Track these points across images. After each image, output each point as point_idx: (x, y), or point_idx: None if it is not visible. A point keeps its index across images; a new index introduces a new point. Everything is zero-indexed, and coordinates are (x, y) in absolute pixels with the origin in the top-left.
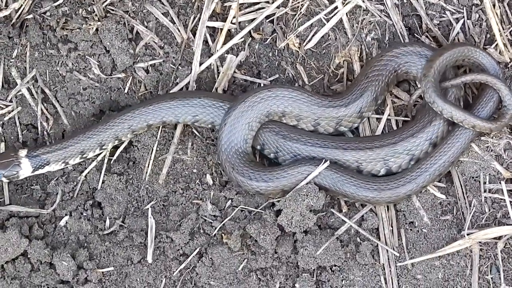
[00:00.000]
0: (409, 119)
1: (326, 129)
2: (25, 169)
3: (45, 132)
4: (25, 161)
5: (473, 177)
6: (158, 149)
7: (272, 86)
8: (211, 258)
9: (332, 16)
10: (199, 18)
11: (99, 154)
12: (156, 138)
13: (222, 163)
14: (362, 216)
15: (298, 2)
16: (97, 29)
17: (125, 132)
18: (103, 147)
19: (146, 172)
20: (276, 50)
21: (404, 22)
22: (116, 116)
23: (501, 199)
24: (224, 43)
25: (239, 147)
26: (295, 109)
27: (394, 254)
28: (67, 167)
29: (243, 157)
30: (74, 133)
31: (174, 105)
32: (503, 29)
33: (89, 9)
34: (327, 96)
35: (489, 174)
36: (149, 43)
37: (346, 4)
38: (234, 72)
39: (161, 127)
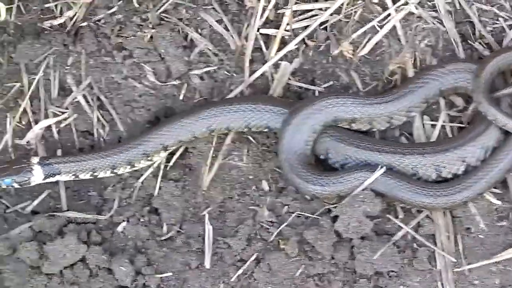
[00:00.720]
0: (464, 125)
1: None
2: (37, 175)
3: (101, 139)
4: (37, 168)
5: None
6: (214, 155)
7: (340, 93)
8: (268, 263)
9: (386, 23)
10: (253, 26)
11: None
12: (212, 144)
13: (281, 162)
14: (419, 222)
15: (352, 9)
16: (151, 37)
17: (139, 158)
18: (114, 170)
19: (203, 179)
20: (330, 57)
21: (457, 29)
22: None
23: None
24: (278, 50)
25: (299, 148)
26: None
27: (451, 260)
28: (78, 179)
29: (302, 159)
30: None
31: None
32: None
33: (143, 17)
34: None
35: None
36: (204, 50)
37: (400, 11)
38: (288, 79)
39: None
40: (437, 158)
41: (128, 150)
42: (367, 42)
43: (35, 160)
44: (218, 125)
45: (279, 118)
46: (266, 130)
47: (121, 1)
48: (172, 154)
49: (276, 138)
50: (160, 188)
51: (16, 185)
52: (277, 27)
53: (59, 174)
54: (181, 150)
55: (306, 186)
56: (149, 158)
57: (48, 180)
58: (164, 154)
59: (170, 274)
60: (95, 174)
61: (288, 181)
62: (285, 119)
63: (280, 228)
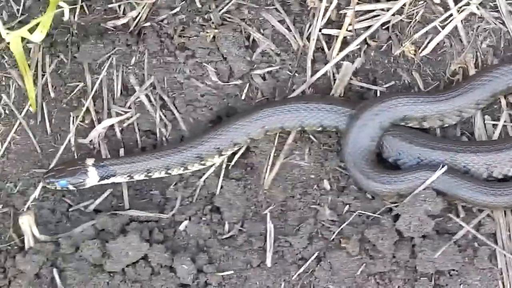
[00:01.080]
0: None
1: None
2: (92, 177)
3: (163, 138)
4: (92, 169)
5: None
6: (275, 154)
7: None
8: (329, 262)
9: (447, 24)
10: (315, 26)
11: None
12: (274, 144)
13: (345, 157)
14: (480, 221)
15: (413, 10)
16: (214, 37)
17: (193, 160)
18: (169, 171)
19: (264, 178)
20: (392, 57)
21: None
22: (185, 143)
23: None
24: (340, 50)
25: (364, 145)
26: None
27: (511, 259)
28: (133, 180)
29: (366, 155)
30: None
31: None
32: None
33: (206, 17)
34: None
35: None
36: (266, 50)
37: (461, 11)
38: (350, 79)
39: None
40: (489, 157)
41: (182, 152)
42: (428, 42)
43: (90, 162)
44: (272, 125)
45: (332, 116)
46: (319, 128)
47: (184, 2)
48: (233, 153)
49: (338, 137)
50: (222, 187)
51: (71, 187)
52: (339, 27)
53: (114, 176)
54: (242, 149)
55: (367, 182)
56: (202, 162)
57: (103, 182)
58: (218, 159)
59: (232, 272)
60: (150, 174)
61: (351, 177)
62: (353, 115)
63: (341, 227)
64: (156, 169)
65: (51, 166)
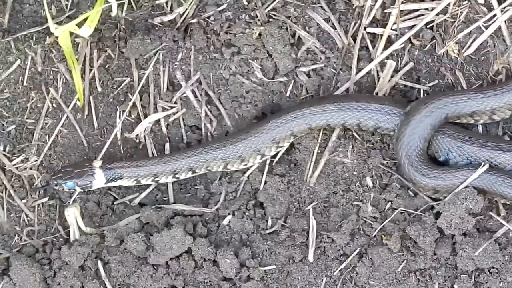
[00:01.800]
0: None
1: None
2: (99, 180)
3: (209, 134)
4: (99, 172)
5: None
6: (319, 151)
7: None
8: (371, 258)
9: (491, 24)
10: (360, 24)
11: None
12: (317, 140)
13: (400, 158)
14: None
15: (457, 10)
16: (260, 34)
17: (200, 165)
18: (176, 175)
19: (308, 174)
20: (435, 56)
21: None
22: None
23: None
24: (384, 49)
25: (418, 142)
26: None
27: None
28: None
29: (419, 152)
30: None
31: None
32: None
33: (252, 14)
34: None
35: None
36: (311, 48)
37: (505, 11)
38: (391, 76)
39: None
40: None
41: (190, 157)
42: (472, 42)
43: (97, 164)
44: (298, 128)
45: (373, 115)
46: (355, 127)
47: None
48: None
49: (381, 135)
50: (265, 182)
51: (78, 189)
52: (384, 26)
53: (121, 178)
54: (287, 145)
55: (422, 179)
56: (209, 168)
57: (109, 184)
58: (221, 167)
59: (274, 267)
60: (157, 179)
61: (405, 176)
62: (407, 112)
63: (383, 224)
64: (163, 173)
65: (60, 167)
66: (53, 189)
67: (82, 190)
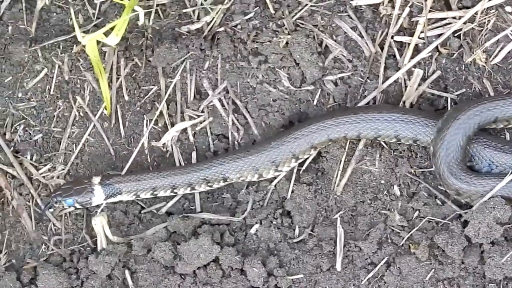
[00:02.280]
0: None
1: None
2: (98, 196)
3: (236, 142)
4: (98, 188)
5: None
6: (346, 160)
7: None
8: (398, 267)
9: None
10: (387, 33)
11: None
12: (345, 149)
13: (439, 166)
14: None
15: (485, 18)
16: (287, 42)
17: (200, 182)
18: (175, 190)
19: (335, 183)
20: (463, 65)
21: None
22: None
23: None
24: (412, 57)
25: (457, 148)
26: None
27: None
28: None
29: (458, 159)
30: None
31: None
32: None
33: (279, 23)
34: None
35: None
36: (338, 56)
37: None
38: (419, 85)
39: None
40: None
41: (189, 173)
42: (500, 50)
43: (96, 180)
44: (320, 139)
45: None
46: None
47: (257, 7)
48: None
49: (409, 144)
50: (292, 191)
51: (78, 206)
52: (411, 35)
53: (120, 194)
54: (314, 154)
55: (467, 188)
56: (209, 184)
57: (109, 200)
58: (223, 183)
59: (302, 276)
60: (156, 193)
61: (446, 184)
62: (445, 119)
63: (411, 233)
64: (162, 187)
65: (59, 185)
66: (53, 207)
67: (81, 207)
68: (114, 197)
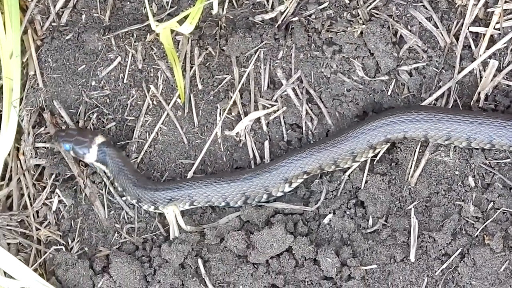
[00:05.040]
0: None
1: None
2: (91, 155)
3: (309, 132)
4: (95, 149)
5: None
6: (420, 150)
7: None
8: (473, 258)
9: None
10: (462, 23)
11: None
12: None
13: None
14: None
15: None
16: (361, 32)
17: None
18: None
19: (409, 173)
20: None
21: None
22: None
23: None
24: (487, 48)
25: None
26: None
27: None
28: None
29: None
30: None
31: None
32: None
33: (353, 13)
34: None
35: None
36: (413, 46)
37: None
38: (497, 77)
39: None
40: None
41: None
42: None
43: (98, 141)
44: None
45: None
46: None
47: None
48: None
49: None
50: (366, 181)
51: (72, 154)
52: (486, 25)
53: (106, 165)
54: (387, 145)
55: None
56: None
57: (97, 165)
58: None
59: (375, 266)
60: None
61: None
62: None
63: (485, 224)
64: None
65: (69, 127)
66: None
67: (74, 156)
68: (102, 165)
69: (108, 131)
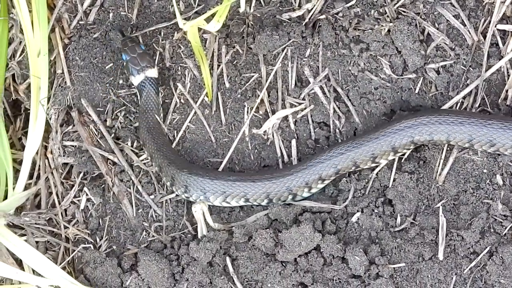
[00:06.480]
0: None
1: None
2: (137, 79)
3: (337, 130)
4: (141, 76)
5: None
6: (448, 149)
7: None
8: (501, 257)
9: None
10: (490, 21)
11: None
12: None
13: None
14: None
15: None
16: (389, 30)
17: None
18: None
19: (437, 172)
20: None
21: None
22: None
23: None
24: None
25: None
26: None
27: None
28: None
29: None
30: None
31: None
32: None
33: (381, 11)
34: None
35: None
36: (440, 44)
37: None
38: None
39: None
40: None
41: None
42: None
43: (150, 72)
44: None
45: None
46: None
47: None
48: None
49: None
50: (394, 180)
51: (125, 62)
52: None
53: (140, 96)
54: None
55: None
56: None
57: (136, 90)
58: (263, 201)
59: (403, 264)
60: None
61: None
62: None
63: None
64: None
65: (135, 37)
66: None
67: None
68: (139, 93)
69: (135, 130)
